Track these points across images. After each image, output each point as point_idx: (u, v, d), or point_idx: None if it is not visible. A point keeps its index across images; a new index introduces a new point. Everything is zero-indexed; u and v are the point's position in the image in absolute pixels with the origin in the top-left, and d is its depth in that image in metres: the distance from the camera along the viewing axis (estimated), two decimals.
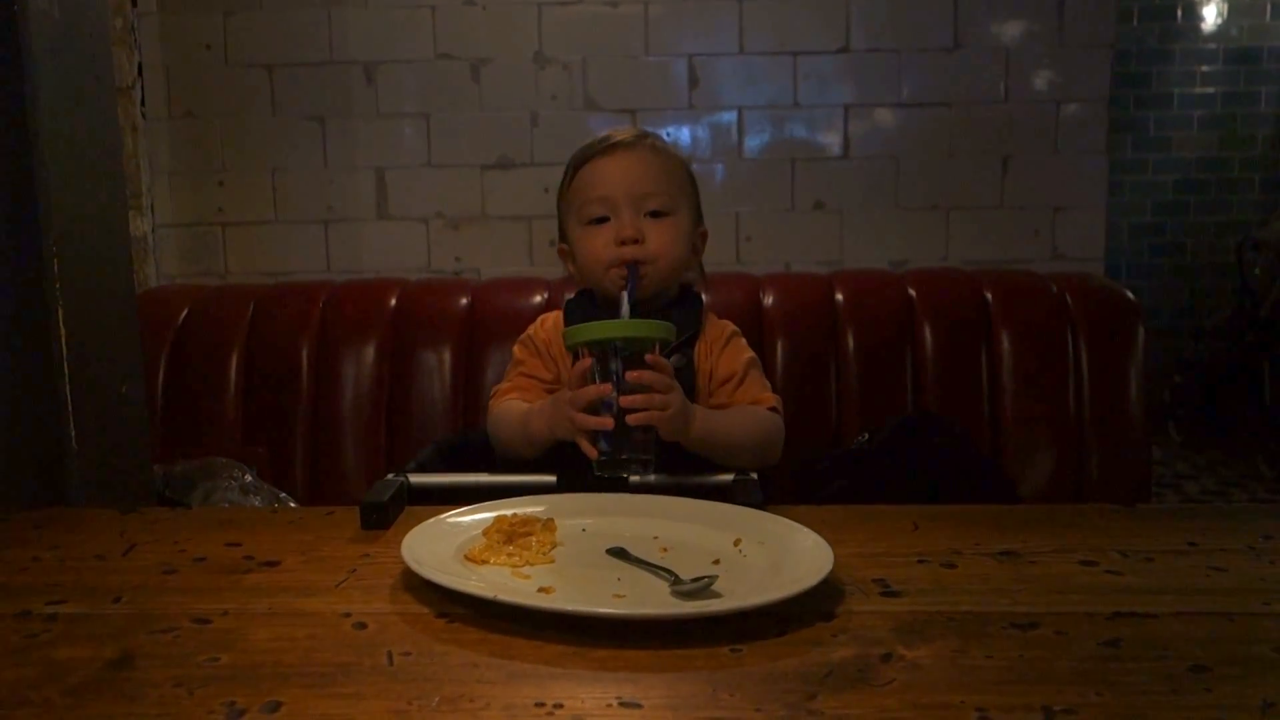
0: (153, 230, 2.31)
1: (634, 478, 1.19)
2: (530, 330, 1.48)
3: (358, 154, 2.37)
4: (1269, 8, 5.03)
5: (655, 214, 1.38)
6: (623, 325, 1.25)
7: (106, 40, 1.39)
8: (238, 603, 0.86)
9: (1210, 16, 5.05)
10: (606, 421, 1.18)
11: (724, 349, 1.43)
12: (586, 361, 1.21)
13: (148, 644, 0.78)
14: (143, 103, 2.31)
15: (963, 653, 0.75)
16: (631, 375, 1.19)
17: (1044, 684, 0.70)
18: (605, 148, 1.41)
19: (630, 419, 1.17)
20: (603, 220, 1.38)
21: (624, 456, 1.18)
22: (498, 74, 2.34)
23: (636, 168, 1.39)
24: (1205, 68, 5.05)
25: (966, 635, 0.78)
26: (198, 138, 2.37)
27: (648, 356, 1.21)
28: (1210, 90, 5.06)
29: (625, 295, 1.31)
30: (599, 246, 1.38)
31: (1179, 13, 5.04)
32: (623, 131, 1.44)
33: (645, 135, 1.43)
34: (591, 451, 1.19)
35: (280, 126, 2.36)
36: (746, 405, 1.38)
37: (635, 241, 1.36)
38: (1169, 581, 0.90)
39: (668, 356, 1.32)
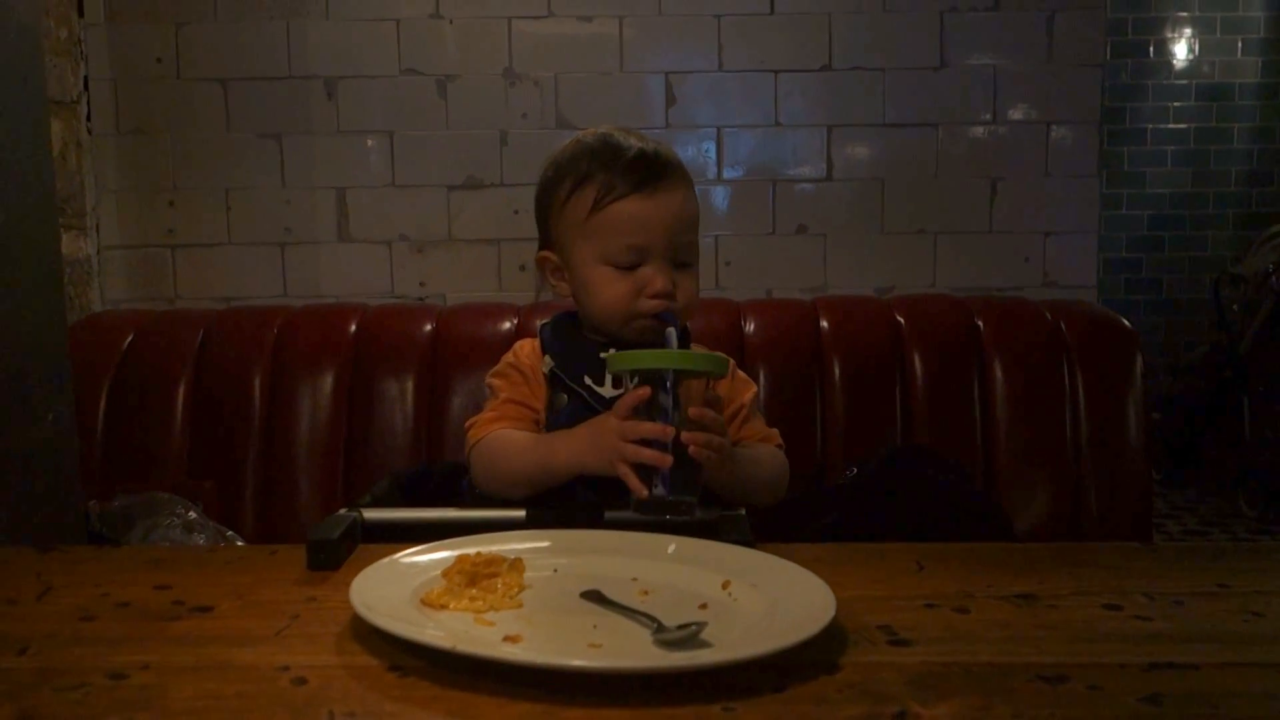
0: (97, 252, 2.23)
1: (680, 516, 1.10)
2: (509, 358, 1.37)
3: (317, 173, 2.30)
4: (1239, 45, 5.10)
5: (683, 264, 1.29)
6: (686, 357, 1.16)
7: (36, 44, 1.31)
8: (161, 655, 0.77)
9: (1181, 53, 5.12)
10: (667, 459, 1.09)
11: (731, 384, 1.34)
12: (645, 390, 1.12)
13: (51, 703, 0.69)
14: (89, 118, 2.22)
15: (986, 710, 0.68)
16: (695, 412, 1.11)
17: None
18: (647, 184, 1.27)
19: (693, 452, 1.09)
20: (630, 267, 1.28)
21: (674, 498, 1.09)
22: (466, 91, 2.28)
23: (678, 214, 1.28)
24: (1178, 104, 5.11)
25: (989, 690, 0.71)
26: (147, 155, 2.29)
27: (708, 395, 1.14)
28: (1183, 126, 5.12)
29: (671, 333, 1.22)
30: (623, 295, 1.27)
31: (1150, 49, 5.10)
32: (650, 153, 1.29)
33: (672, 162, 1.30)
34: (641, 489, 1.09)
35: (235, 144, 2.29)
36: (759, 443, 1.31)
37: (670, 296, 1.26)
38: (1205, 628, 0.84)
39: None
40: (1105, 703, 0.69)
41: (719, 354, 1.16)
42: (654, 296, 1.25)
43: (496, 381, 1.35)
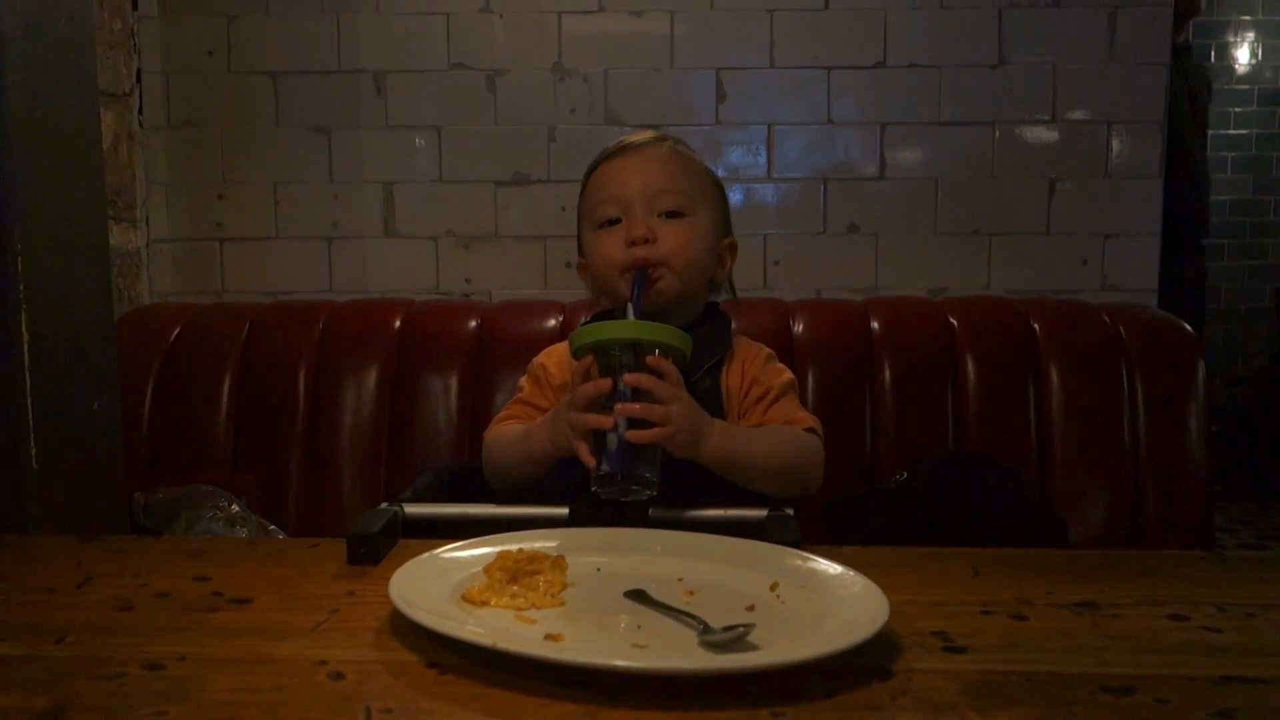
0: (146, 245, 2.22)
1: (641, 495, 1.09)
2: (538, 359, 1.40)
3: (365, 168, 2.28)
4: None
5: (671, 214, 1.30)
6: (629, 326, 1.16)
7: (88, 35, 1.31)
8: (198, 646, 0.76)
9: (1244, 57, 5.03)
10: (605, 420, 1.09)
11: (762, 368, 1.33)
12: (588, 359, 1.14)
13: (86, 693, 0.68)
14: (140, 110, 2.22)
15: None
16: (629, 378, 1.10)
17: None
18: (619, 149, 1.36)
19: (628, 433, 1.08)
20: (615, 222, 1.31)
21: (621, 474, 1.08)
22: (514, 86, 2.25)
23: (651, 166, 1.32)
24: (1239, 109, 5.01)
25: (1050, 701, 0.68)
26: (197, 148, 2.28)
27: (648, 359, 1.11)
28: (1244, 132, 5.03)
29: (630, 303, 1.22)
30: (611, 249, 1.30)
31: (1212, 54, 5.00)
32: (640, 135, 1.38)
33: (664, 138, 1.38)
34: (590, 460, 1.10)
35: (284, 137, 2.27)
36: (779, 425, 1.27)
37: (647, 241, 1.27)
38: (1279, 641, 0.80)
39: (690, 376, 1.22)
40: (1175, 717, 0.66)
41: (677, 329, 1.15)
42: (631, 243, 1.27)
43: (523, 380, 1.39)
